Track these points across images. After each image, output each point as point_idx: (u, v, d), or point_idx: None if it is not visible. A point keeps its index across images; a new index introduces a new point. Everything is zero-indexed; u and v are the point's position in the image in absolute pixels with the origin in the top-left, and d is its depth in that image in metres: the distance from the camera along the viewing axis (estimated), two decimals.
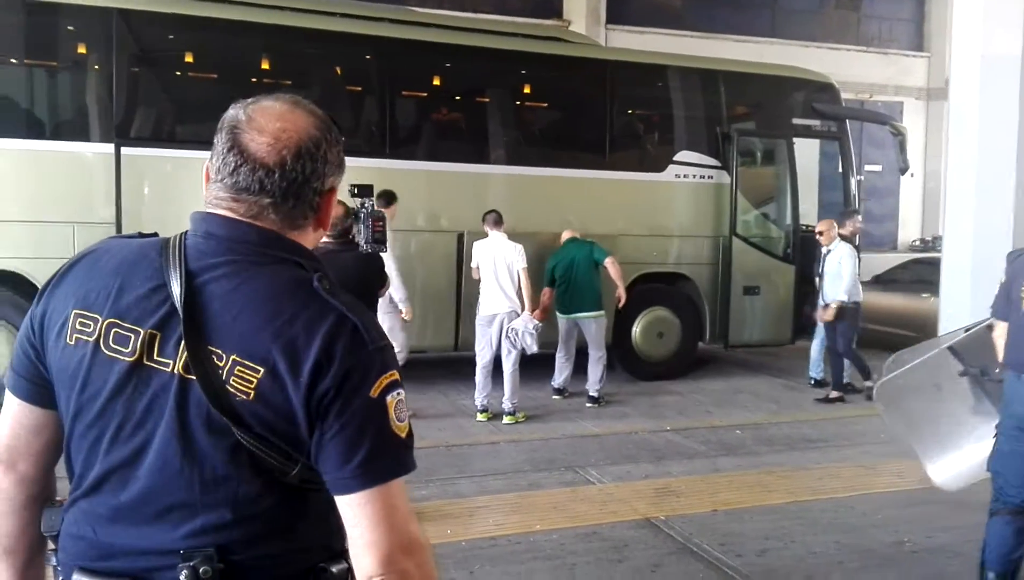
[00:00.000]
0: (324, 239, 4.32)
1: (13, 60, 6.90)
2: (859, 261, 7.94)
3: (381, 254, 4.49)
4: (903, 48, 15.70)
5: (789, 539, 4.39)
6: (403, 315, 6.62)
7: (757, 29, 15.13)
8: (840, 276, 7.62)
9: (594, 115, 8.34)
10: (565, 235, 7.51)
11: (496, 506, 4.83)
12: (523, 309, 6.70)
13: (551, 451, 6.03)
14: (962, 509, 4.81)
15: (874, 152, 15.54)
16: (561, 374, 7.62)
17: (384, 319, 6.52)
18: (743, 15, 15.25)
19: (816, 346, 8.47)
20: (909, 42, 15.55)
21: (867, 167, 15.86)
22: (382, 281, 4.53)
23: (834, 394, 7.87)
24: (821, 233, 8.02)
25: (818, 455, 6.10)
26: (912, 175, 15.65)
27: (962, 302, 6.84)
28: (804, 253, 9.17)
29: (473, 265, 6.99)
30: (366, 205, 4.13)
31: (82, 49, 6.96)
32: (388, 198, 6.72)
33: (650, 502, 4.93)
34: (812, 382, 8.47)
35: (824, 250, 7.94)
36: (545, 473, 5.50)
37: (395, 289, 6.45)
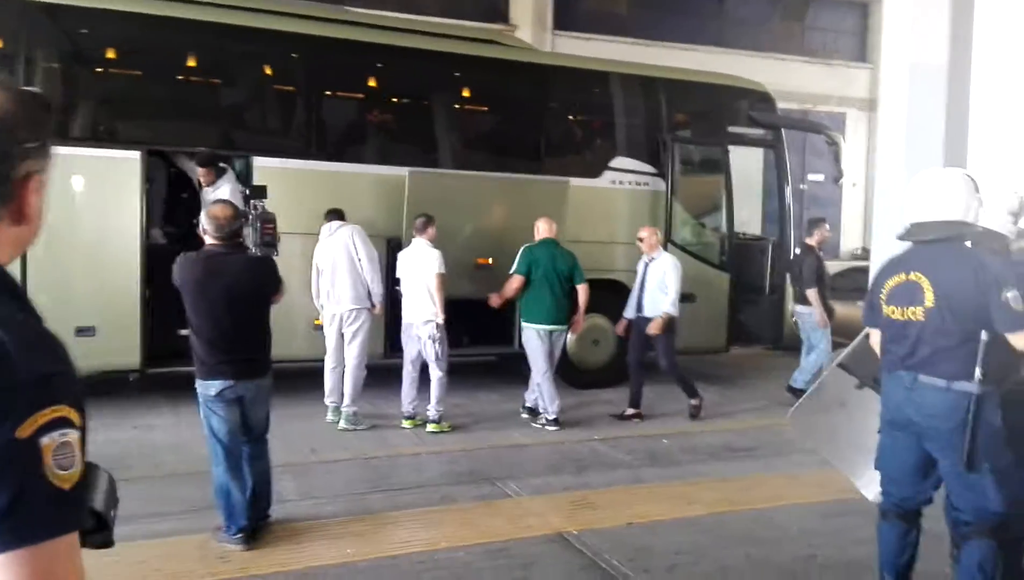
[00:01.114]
0: (210, 241, 4.17)
1: None
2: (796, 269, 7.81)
3: (274, 257, 4.29)
4: (846, 59, 15.90)
5: (701, 553, 4.29)
6: (375, 311, 6.66)
7: (704, 38, 15.19)
8: (664, 287, 7.15)
9: (529, 119, 8.22)
10: (542, 229, 7.03)
11: (404, 522, 4.65)
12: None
13: (473, 462, 5.87)
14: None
15: (817, 162, 15.68)
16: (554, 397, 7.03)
17: (362, 324, 6.50)
18: (690, 24, 15.31)
19: (805, 356, 8.10)
20: (852, 53, 15.75)
21: (810, 176, 16.03)
22: (275, 286, 4.33)
23: (630, 411, 7.36)
24: (641, 240, 7.38)
25: (743, 465, 6.04)
26: (854, 185, 15.90)
27: None
28: (740, 261, 9.18)
29: (398, 276, 6.85)
30: (256, 207, 3.95)
31: None
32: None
33: (565, 515, 4.79)
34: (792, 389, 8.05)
35: (645, 259, 7.35)
36: (462, 486, 5.33)
37: (376, 284, 6.53)
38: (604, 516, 4.81)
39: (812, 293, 7.90)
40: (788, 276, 8.48)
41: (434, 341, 6.51)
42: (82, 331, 6.63)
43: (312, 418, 6.89)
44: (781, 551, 4.35)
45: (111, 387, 7.59)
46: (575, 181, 8.40)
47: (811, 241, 8.13)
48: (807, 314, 8.02)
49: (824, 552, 4.34)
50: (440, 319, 6.54)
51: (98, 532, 1.52)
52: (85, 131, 6.90)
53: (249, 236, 4.09)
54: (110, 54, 7.20)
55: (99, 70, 7.19)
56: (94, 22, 6.90)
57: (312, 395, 7.12)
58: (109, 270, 6.73)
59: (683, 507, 5.00)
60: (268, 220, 4.08)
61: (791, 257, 8.45)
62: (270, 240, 4.11)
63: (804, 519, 4.80)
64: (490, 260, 7.57)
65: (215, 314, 4.08)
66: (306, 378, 7.47)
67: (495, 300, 7.13)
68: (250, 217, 4.06)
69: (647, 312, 7.24)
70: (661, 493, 5.28)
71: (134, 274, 6.75)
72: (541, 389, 6.94)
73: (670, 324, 7.18)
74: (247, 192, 4.15)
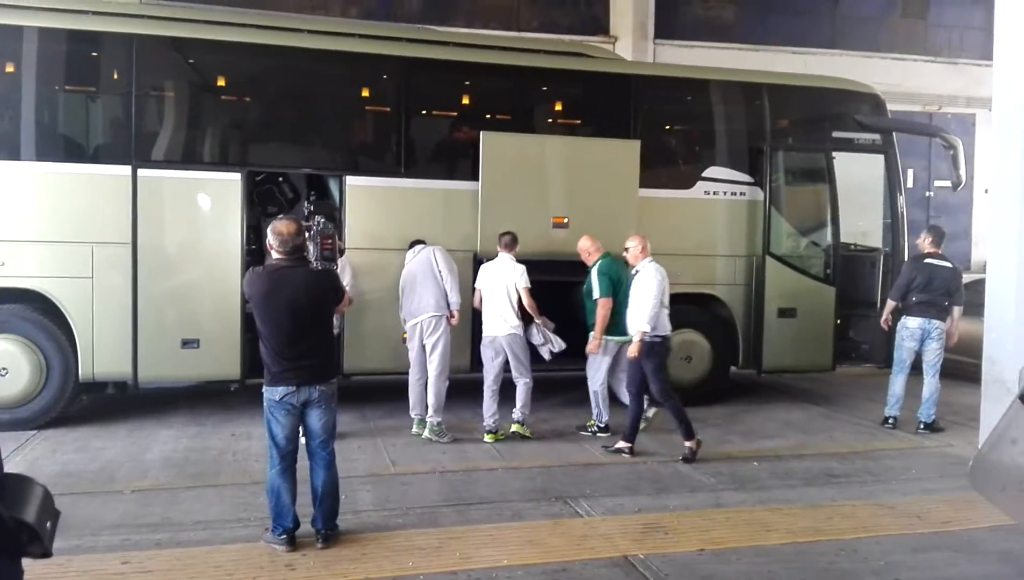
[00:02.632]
0: (276, 255, 4.32)
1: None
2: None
3: (335, 270, 4.42)
4: (974, 57, 14.77)
5: None
6: (452, 320, 6.77)
7: (816, 40, 14.52)
8: (643, 301, 6.31)
9: (617, 131, 8.08)
10: (592, 249, 7.04)
11: (469, 537, 4.63)
12: (525, 324, 6.70)
13: (548, 480, 5.79)
14: (974, 557, 4.41)
15: (945, 167, 14.69)
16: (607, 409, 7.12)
17: (441, 334, 6.68)
18: (803, 26, 14.67)
19: (899, 381, 7.51)
20: (980, 51, 14.58)
21: (937, 182, 15.01)
22: (338, 297, 4.46)
23: (622, 444, 6.47)
24: (627, 250, 6.60)
25: (835, 491, 5.67)
26: (986, 191, 14.73)
27: (1006, 325, 6.30)
28: (847, 274, 8.69)
29: (477, 286, 6.94)
30: (317, 223, 4.08)
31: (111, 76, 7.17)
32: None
33: (634, 538, 4.64)
34: (890, 423, 7.52)
35: (633, 271, 6.58)
36: (534, 503, 5.27)
37: (454, 293, 6.66)
38: (675, 541, 4.63)
39: (959, 310, 7.38)
40: (925, 290, 7.29)
41: (541, 332, 6.82)
42: (187, 343, 7.04)
43: (399, 431, 7.02)
44: None
45: (214, 396, 8.04)
46: (666, 193, 8.22)
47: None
48: (942, 331, 7.35)
49: None
50: (539, 320, 6.83)
51: (34, 544, 1.58)
52: (189, 155, 7.33)
53: (310, 250, 4.24)
54: (216, 83, 7.63)
55: (206, 97, 7.61)
56: (199, 53, 7.33)
57: (401, 408, 7.24)
58: (212, 286, 7.10)
59: (761, 535, 4.75)
60: (327, 235, 4.23)
61: (945, 269, 7.35)
62: (329, 254, 4.25)
63: (893, 552, 4.45)
64: (565, 219, 7.61)
65: (280, 324, 4.24)
66: (396, 392, 7.62)
67: (595, 346, 6.85)
68: (311, 232, 4.21)
69: (630, 330, 6.44)
70: (740, 519, 5.02)
71: (235, 290, 7.07)
72: (598, 397, 7.07)
73: (655, 346, 6.30)
74: (311, 208, 4.31)
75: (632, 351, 6.34)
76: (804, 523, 4.95)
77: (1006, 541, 4.63)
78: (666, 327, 6.41)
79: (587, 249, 7.07)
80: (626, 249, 6.60)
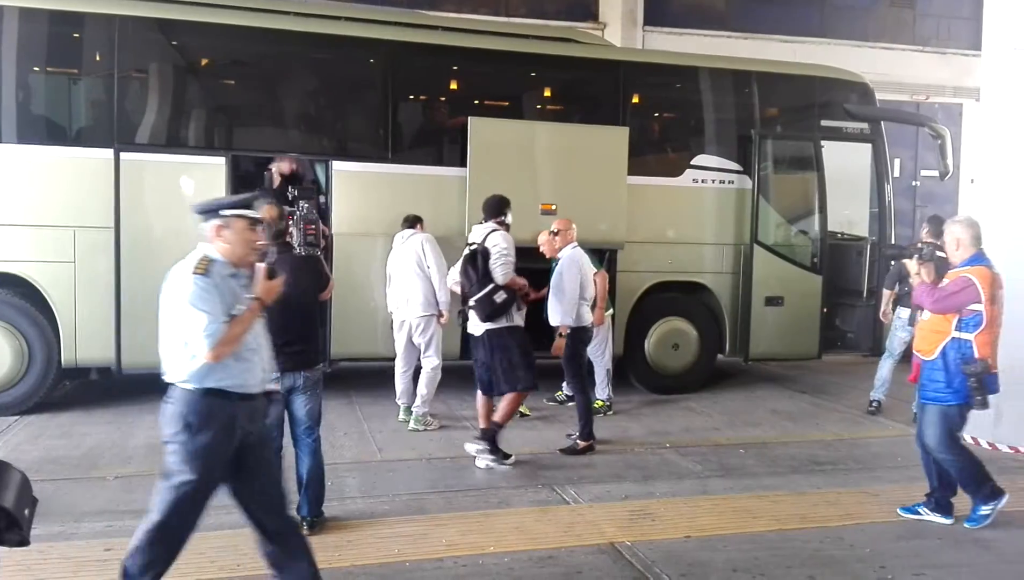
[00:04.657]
0: (258, 241, 4.26)
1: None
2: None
3: (319, 255, 4.38)
4: (962, 47, 14.82)
5: (759, 572, 4.05)
6: (441, 320, 6.66)
7: (805, 29, 14.50)
8: (559, 292, 6.01)
9: (605, 118, 8.04)
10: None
11: (455, 524, 4.61)
12: None
13: (535, 466, 5.78)
14: (959, 544, 4.45)
15: (931, 156, 14.73)
16: None
17: (432, 333, 6.58)
18: (789, 14, 14.65)
19: (887, 365, 7.53)
20: (968, 41, 14.63)
21: (923, 172, 15.06)
22: (322, 284, 4.41)
23: (581, 443, 6.15)
24: (556, 234, 6.34)
25: (821, 479, 5.69)
26: (972, 181, 14.81)
27: None
28: (834, 263, 8.71)
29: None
30: (301, 208, 4.03)
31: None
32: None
33: (620, 526, 4.64)
34: (874, 405, 7.58)
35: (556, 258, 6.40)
36: (521, 490, 5.26)
37: (442, 291, 6.53)
38: (662, 527, 4.63)
39: None
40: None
41: None
42: None
43: (386, 418, 6.99)
44: (847, 573, 4.06)
45: None
46: (654, 181, 8.20)
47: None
48: None
49: (895, 576, 4.01)
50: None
51: (12, 530, 1.55)
52: (173, 138, 7.23)
53: (294, 236, 4.19)
54: (200, 65, 7.54)
55: (190, 80, 7.51)
56: (182, 34, 7.22)
57: (389, 395, 7.20)
58: None
59: (748, 522, 4.76)
60: (310, 221, 4.19)
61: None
62: (312, 240, 4.22)
63: (878, 539, 4.47)
64: (554, 206, 7.55)
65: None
66: (383, 377, 7.58)
67: (600, 317, 6.75)
68: (295, 218, 4.16)
69: (551, 322, 6.14)
70: (726, 506, 5.03)
71: None
72: (609, 375, 7.45)
73: (576, 337, 6.09)
74: (296, 193, 4.28)
75: (555, 350, 6.07)
76: (790, 510, 4.97)
77: (988, 530, 4.66)
78: (583, 318, 6.16)
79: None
80: (554, 233, 6.38)
